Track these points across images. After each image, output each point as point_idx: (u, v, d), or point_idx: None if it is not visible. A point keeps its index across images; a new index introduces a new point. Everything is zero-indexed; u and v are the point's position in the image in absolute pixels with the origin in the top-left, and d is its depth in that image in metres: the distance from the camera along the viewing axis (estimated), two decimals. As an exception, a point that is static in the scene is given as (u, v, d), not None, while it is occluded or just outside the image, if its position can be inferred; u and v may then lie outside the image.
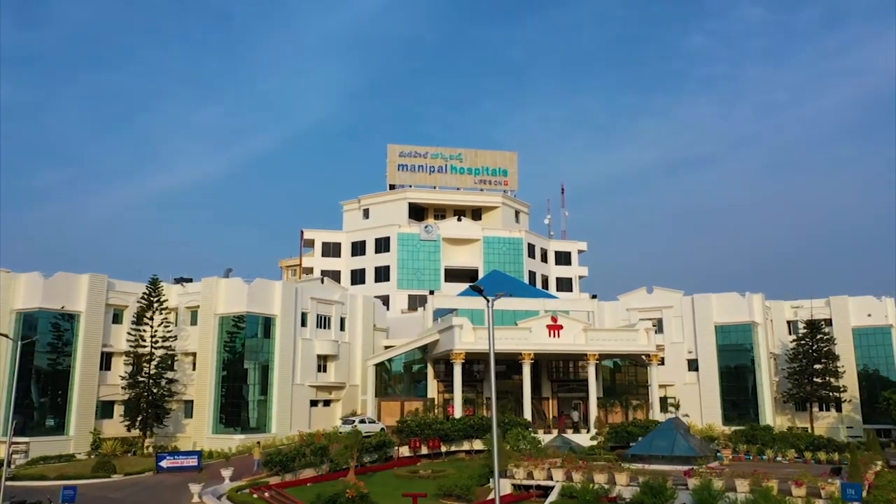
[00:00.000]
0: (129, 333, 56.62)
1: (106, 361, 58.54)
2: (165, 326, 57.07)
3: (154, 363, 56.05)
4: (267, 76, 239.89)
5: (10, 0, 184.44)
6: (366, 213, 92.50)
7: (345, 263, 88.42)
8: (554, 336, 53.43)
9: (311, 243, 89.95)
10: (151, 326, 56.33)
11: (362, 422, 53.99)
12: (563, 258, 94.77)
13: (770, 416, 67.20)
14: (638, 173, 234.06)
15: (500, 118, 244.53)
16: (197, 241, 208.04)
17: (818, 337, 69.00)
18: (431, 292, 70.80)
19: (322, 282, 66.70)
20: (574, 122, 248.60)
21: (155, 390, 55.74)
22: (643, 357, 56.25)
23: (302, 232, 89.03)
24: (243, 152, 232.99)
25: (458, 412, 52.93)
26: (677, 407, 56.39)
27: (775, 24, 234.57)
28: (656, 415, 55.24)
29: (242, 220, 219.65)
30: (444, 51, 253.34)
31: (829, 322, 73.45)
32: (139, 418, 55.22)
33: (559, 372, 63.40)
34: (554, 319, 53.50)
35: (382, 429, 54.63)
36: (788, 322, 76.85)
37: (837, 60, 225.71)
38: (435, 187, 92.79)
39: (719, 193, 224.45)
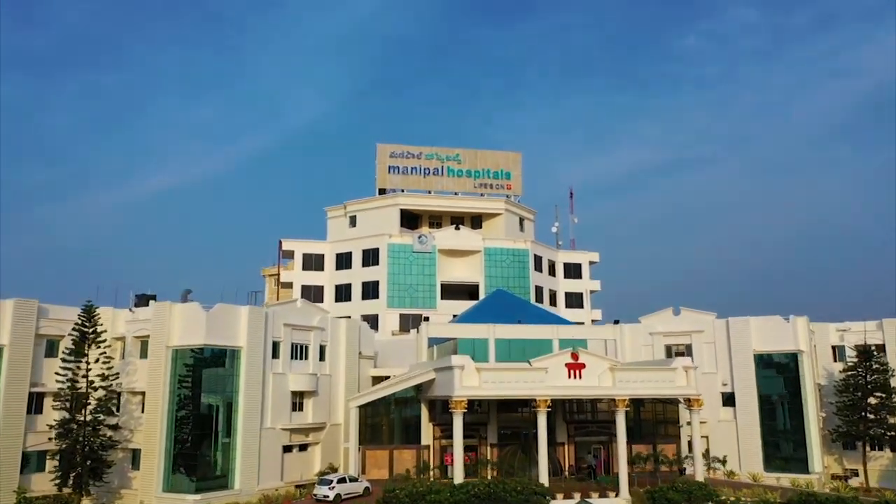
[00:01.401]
0: (57, 373, 47.38)
1: (37, 404, 49.34)
2: (105, 362, 47.83)
3: (90, 407, 46.82)
4: (261, 77, 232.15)
5: (3, 0, 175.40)
6: (352, 221, 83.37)
7: (328, 278, 79.28)
8: (575, 377, 44.46)
9: (290, 254, 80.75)
10: (87, 363, 47.10)
11: (342, 480, 45.21)
12: (573, 271, 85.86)
13: (818, 459, 58.54)
14: (634, 175, 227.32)
15: (495, 119, 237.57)
16: (181, 247, 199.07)
17: (873, 367, 60.13)
18: (426, 319, 61.44)
19: (298, 304, 57.41)
20: (569, 124, 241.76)
21: (93, 438, 46.59)
22: (681, 400, 47.26)
23: (280, 242, 79.91)
24: (235, 154, 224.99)
25: (458, 473, 43.64)
26: (724, 463, 47.51)
27: (768, 26, 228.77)
28: (699, 472, 46.23)
29: (231, 224, 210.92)
30: (440, 51, 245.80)
31: (881, 348, 64.56)
32: (72, 474, 45.98)
33: (576, 412, 54.37)
34: (574, 357, 44.51)
35: (367, 488, 45.67)
36: (833, 347, 68.12)
37: (830, 61, 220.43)
38: (430, 192, 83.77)
39: (716, 194, 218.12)
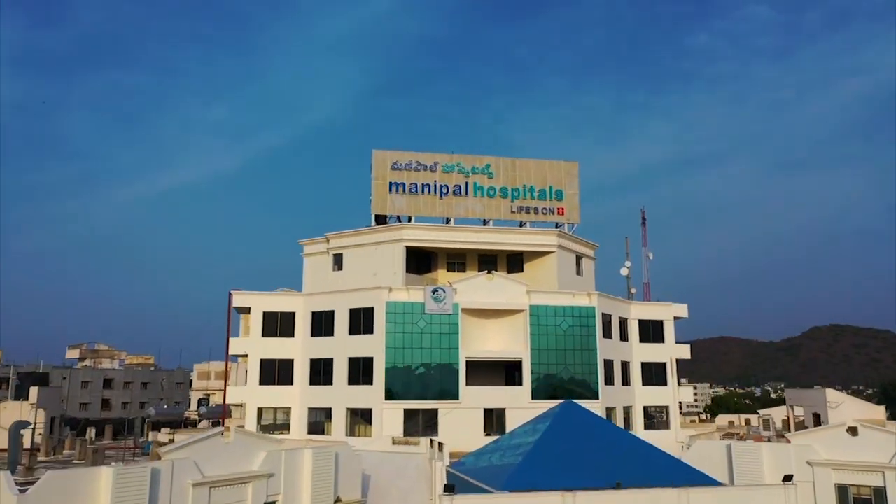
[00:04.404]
0: None
1: None
2: None
3: None
4: (275, 78, 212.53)
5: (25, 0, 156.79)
6: (337, 262, 59.98)
7: (301, 348, 55.84)
8: None
9: (247, 311, 57.26)
10: None
11: None
12: (652, 331, 61.86)
13: None
14: (646, 171, 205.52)
15: (507, 117, 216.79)
16: (173, 255, 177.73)
17: None
18: (440, 446, 37.46)
19: (225, 439, 33.69)
20: (582, 121, 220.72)
21: None
22: None
23: (230, 295, 56.27)
24: (249, 154, 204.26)
25: None
26: None
27: (781, 24, 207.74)
28: None
29: (234, 230, 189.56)
30: (454, 50, 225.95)
31: None
32: None
33: None
34: None
35: None
36: None
37: (843, 59, 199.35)
38: (448, 220, 60.09)
39: (728, 192, 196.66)
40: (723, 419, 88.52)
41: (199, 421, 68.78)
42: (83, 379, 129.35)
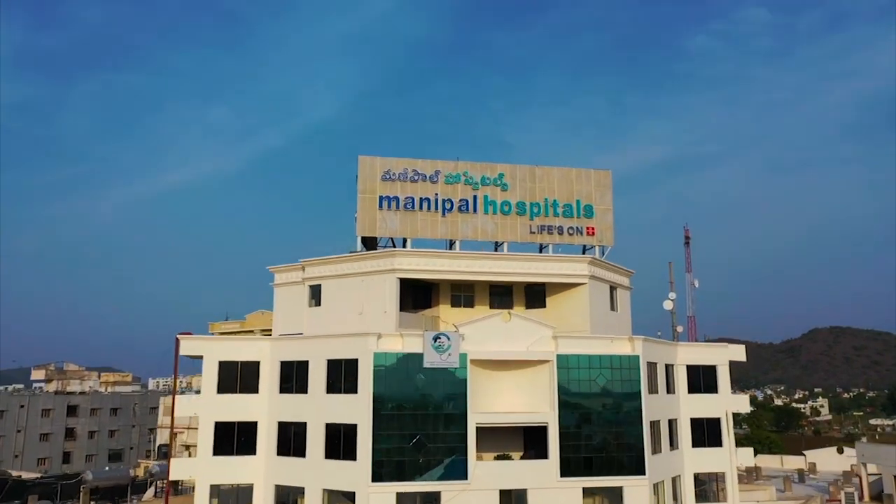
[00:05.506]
0: None
1: None
2: None
3: None
4: (272, 79, 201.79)
5: (25, 1, 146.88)
6: (314, 295, 48.64)
7: (266, 408, 44.23)
8: None
9: (198, 359, 45.70)
10: None
11: None
12: (703, 379, 50.34)
13: None
14: (643, 173, 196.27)
15: (505, 119, 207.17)
16: (167, 262, 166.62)
17: None
18: None
19: None
20: (580, 122, 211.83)
21: None
22: None
23: (177, 340, 44.64)
24: (246, 156, 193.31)
25: None
26: None
27: (779, 25, 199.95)
28: None
29: (230, 234, 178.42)
30: (453, 52, 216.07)
31: None
32: None
33: None
34: None
35: None
36: None
37: (840, 62, 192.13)
38: (452, 243, 48.66)
39: (725, 193, 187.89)
40: (764, 462, 77.01)
41: (149, 484, 57.20)
42: (44, 406, 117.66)
